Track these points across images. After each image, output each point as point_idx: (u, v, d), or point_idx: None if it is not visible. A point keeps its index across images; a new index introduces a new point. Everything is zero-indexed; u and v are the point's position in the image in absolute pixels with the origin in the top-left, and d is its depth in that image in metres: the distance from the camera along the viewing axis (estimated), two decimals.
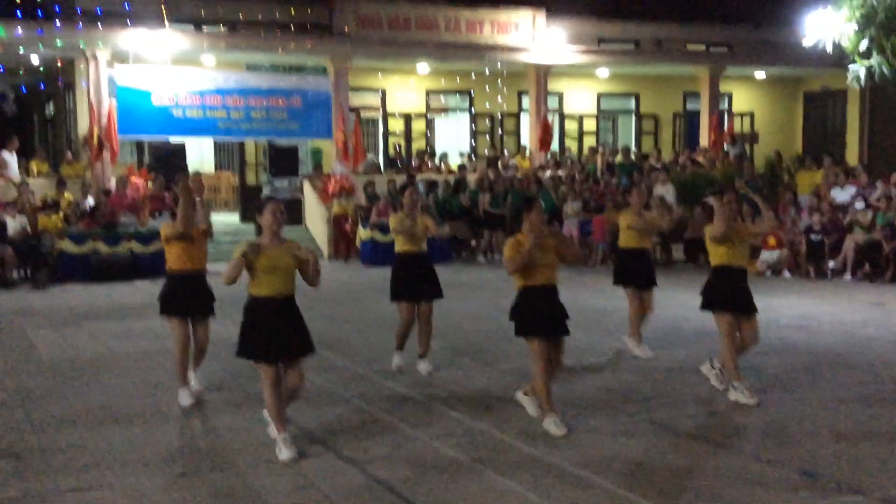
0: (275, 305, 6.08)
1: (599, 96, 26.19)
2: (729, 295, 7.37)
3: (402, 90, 24.18)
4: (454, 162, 23.12)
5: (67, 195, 17.56)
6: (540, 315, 6.58)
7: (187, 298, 7.47)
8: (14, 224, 15.97)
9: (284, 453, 5.98)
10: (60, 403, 7.49)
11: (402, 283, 8.41)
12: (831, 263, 15.37)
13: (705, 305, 7.51)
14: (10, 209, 16.30)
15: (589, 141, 25.79)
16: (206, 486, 5.48)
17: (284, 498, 5.29)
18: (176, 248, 7.45)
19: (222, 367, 8.50)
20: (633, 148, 25.06)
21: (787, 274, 15.64)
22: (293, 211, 20.73)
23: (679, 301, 12.04)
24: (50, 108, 24.74)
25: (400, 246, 8.48)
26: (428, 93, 24.51)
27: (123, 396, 7.71)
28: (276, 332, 6.05)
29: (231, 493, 5.38)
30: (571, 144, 25.80)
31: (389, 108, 24.30)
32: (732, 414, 6.99)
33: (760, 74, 26.54)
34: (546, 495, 5.24)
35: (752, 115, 27.69)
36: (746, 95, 27.48)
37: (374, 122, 24.48)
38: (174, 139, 21.06)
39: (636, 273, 9.25)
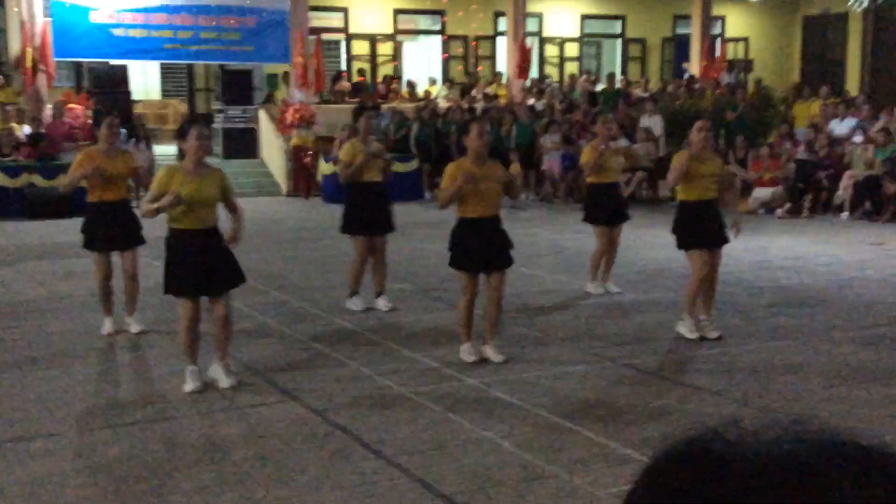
0: (197, 239, 6.15)
1: (583, 18, 26.02)
2: (699, 231, 7.52)
3: (367, 9, 23.87)
4: (425, 89, 22.95)
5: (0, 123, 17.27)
6: (472, 249, 6.72)
7: (109, 231, 7.61)
8: None
9: (189, 384, 6.23)
10: None
11: (356, 215, 8.52)
12: (829, 202, 15.57)
13: (680, 244, 7.67)
14: None
15: (571, 68, 25.69)
16: (158, 435, 5.54)
17: (241, 445, 5.36)
18: (92, 178, 7.57)
19: (169, 310, 8.51)
20: (618, 75, 25.01)
21: (780, 212, 15.83)
22: (247, 142, 20.59)
23: (662, 239, 12.16)
24: None
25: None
26: (396, 13, 24.22)
27: (64, 340, 7.73)
28: (198, 267, 6.13)
29: (184, 441, 5.45)
30: (552, 72, 25.68)
31: (353, 30, 24.00)
32: (720, 357, 7.16)
33: None
34: (520, 443, 5.36)
35: (746, 41, 27.68)
36: (741, 19, 27.44)
37: (336, 44, 24.20)
38: (116, 62, 20.70)
39: (604, 209, 9.36)
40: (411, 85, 22.85)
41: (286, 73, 21.21)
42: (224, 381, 6.33)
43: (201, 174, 6.18)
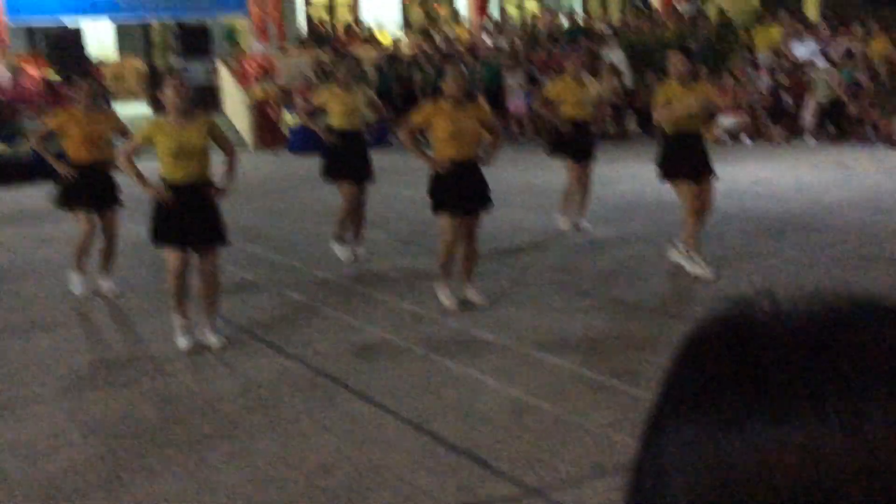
0: (185, 192, 6.13)
1: None
2: (684, 162, 7.56)
3: None
4: (384, 32, 22.75)
5: None
6: (451, 191, 6.77)
7: (88, 191, 7.60)
8: None
9: (181, 341, 6.26)
10: None
11: (337, 162, 8.52)
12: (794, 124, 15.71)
13: (663, 175, 7.69)
14: None
15: (531, 6, 25.52)
16: (149, 395, 5.60)
17: (232, 401, 5.43)
18: (74, 138, 7.55)
19: (148, 271, 8.53)
20: (579, 11, 24.88)
21: (746, 140, 15.96)
22: (209, 97, 20.35)
23: (632, 173, 12.28)
24: None
25: (336, 122, 8.56)
26: None
27: (42, 305, 7.73)
28: (185, 219, 6.13)
29: (176, 399, 5.51)
30: (512, 10, 25.50)
31: None
32: (693, 285, 7.28)
33: None
34: (505, 379, 5.48)
35: None
36: None
37: None
38: (69, 21, 20.32)
39: (572, 144, 9.37)
40: (370, 30, 22.64)
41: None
42: (213, 341, 6.34)
43: (185, 124, 6.13)
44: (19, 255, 9.81)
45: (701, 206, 7.59)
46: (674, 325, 6.36)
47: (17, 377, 5.99)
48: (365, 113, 8.68)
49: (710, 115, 7.99)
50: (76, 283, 7.84)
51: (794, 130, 15.86)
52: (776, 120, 16.01)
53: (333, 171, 8.61)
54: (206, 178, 6.25)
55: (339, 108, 8.48)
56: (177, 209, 6.12)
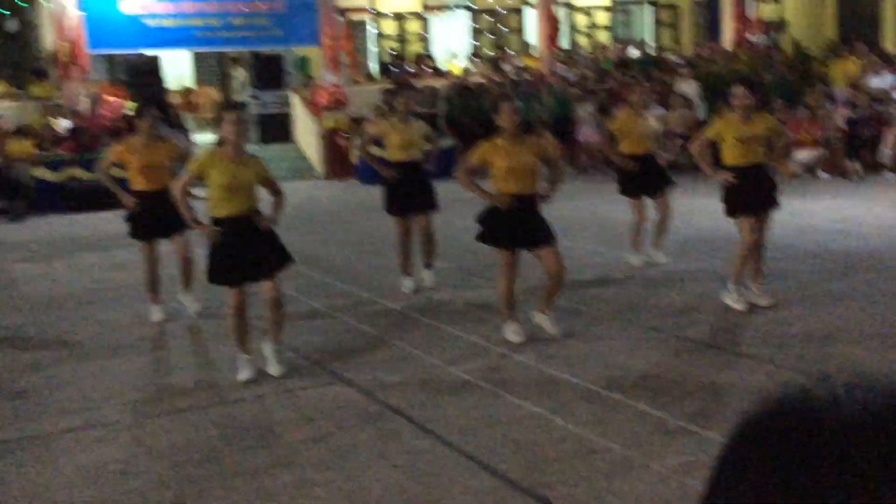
0: (238, 225, 6.18)
1: None
2: (747, 196, 7.41)
3: None
4: (454, 63, 22.86)
5: (39, 118, 17.47)
6: (505, 224, 6.68)
7: (154, 219, 7.76)
8: None
9: (241, 373, 6.25)
10: (50, 340, 7.63)
11: (395, 194, 8.55)
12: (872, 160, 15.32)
13: (728, 212, 7.58)
14: None
15: (601, 36, 25.44)
16: (212, 421, 5.62)
17: (294, 430, 5.42)
18: (135, 167, 7.74)
19: (216, 293, 8.61)
20: (651, 42, 24.74)
21: (822, 174, 15.61)
22: (281, 127, 20.66)
23: (705, 206, 12.05)
24: (12, 24, 24.39)
25: (393, 155, 8.62)
26: None
27: (116, 330, 7.84)
28: (242, 254, 6.16)
29: (239, 426, 5.52)
30: (582, 40, 25.45)
31: (381, 8, 23.93)
32: (771, 325, 7.08)
33: None
34: (572, 417, 5.37)
35: (779, 1, 27.20)
36: None
37: (364, 24, 24.13)
38: (148, 52, 20.81)
39: (641, 179, 9.22)
40: (436, 61, 22.78)
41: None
42: (274, 368, 6.37)
43: (239, 161, 6.21)
44: (95, 281, 10.00)
45: (759, 241, 7.50)
46: (747, 365, 6.18)
47: (89, 401, 6.06)
48: (422, 145, 8.69)
49: (784, 148, 7.90)
50: (152, 312, 8.00)
51: (872, 165, 15.46)
52: (853, 154, 15.64)
53: (393, 204, 8.62)
54: (255, 208, 6.29)
55: (397, 140, 8.52)
56: (231, 244, 6.16)
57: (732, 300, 7.52)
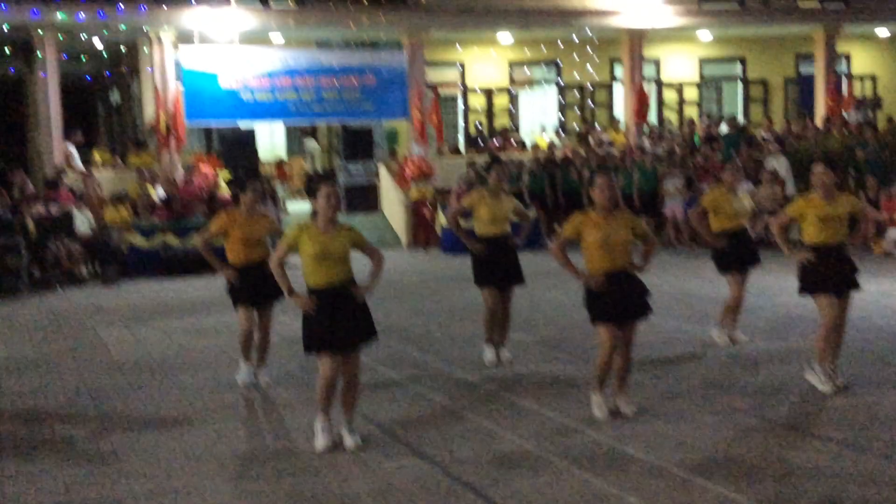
0: (331, 295, 6.22)
1: (701, 62, 25.68)
2: (824, 275, 7.23)
3: (483, 63, 24.15)
4: (541, 137, 22.99)
5: (135, 186, 18.09)
6: (609, 301, 6.64)
7: (251, 288, 7.98)
8: (81, 218, 16.55)
9: (320, 441, 6.28)
10: (133, 404, 7.76)
11: (485, 267, 8.52)
12: None
13: (802, 289, 7.43)
14: (77, 202, 16.89)
15: (690, 111, 25.35)
16: (284, 490, 5.61)
17: (367, 499, 5.38)
18: (234, 241, 7.99)
19: (298, 364, 8.68)
20: (740, 118, 24.52)
21: None
22: (369, 197, 21.00)
23: (792, 284, 11.76)
24: (115, 95, 25.50)
25: (481, 228, 8.58)
26: (511, 64, 24.42)
27: (196, 396, 7.95)
28: (335, 322, 6.19)
29: (310, 497, 5.50)
30: (671, 115, 25.38)
31: (469, 83, 24.31)
32: (856, 407, 6.82)
33: (883, 32, 25.63)
34: (649, 499, 5.21)
35: (874, 78, 26.79)
36: (867, 56, 26.59)
37: (454, 98, 24.52)
38: (243, 124, 21.48)
39: (735, 255, 9.06)
40: (521, 135, 22.99)
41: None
42: (349, 441, 6.35)
43: (331, 231, 6.30)
44: (179, 346, 10.19)
45: (840, 321, 7.31)
46: (831, 449, 5.93)
47: (167, 468, 6.12)
48: (512, 219, 8.69)
49: (866, 228, 7.77)
50: (243, 373, 8.16)
51: None
52: None
53: (482, 277, 8.60)
54: (350, 279, 6.33)
55: (487, 213, 8.50)
56: (326, 314, 6.20)
57: (818, 381, 7.29)
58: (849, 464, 5.66)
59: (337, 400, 6.47)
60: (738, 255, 9.05)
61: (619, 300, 6.68)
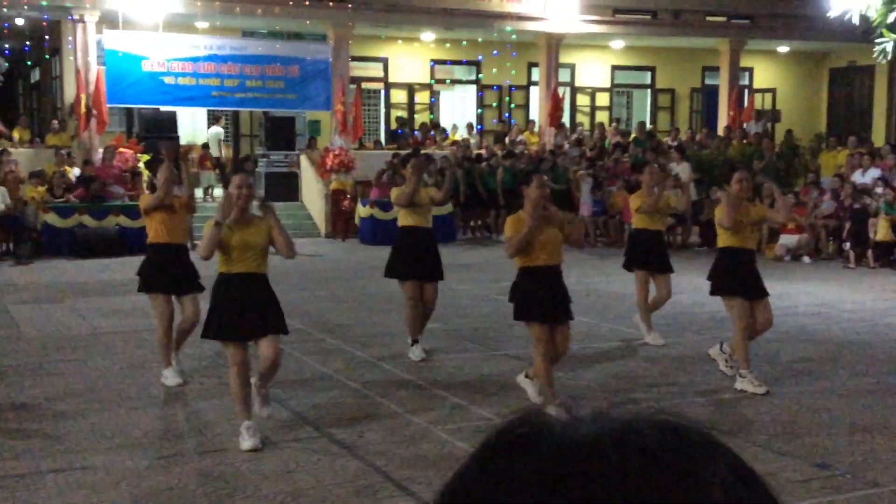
0: (245, 282, 6.00)
1: (613, 69, 26.10)
2: (738, 278, 7.38)
3: (406, 59, 24.11)
4: (461, 135, 23.07)
5: (52, 166, 17.57)
6: (539, 298, 6.59)
7: (168, 274, 7.44)
8: None
9: (246, 442, 5.86)
10: (43, 383, 7.55)
11: (404, 259, 8.32)
12: (848, 246, 15.37)
13: (715, 290, 7.55)
14: None
15: (601, 116, 25.72)
16: (193, 470, 5.53)
17: (273, 482, 5.34)
18: (156, 220, 7.46)
19: (210, 347, 8.54)
20: (648, 124, 24.99)
21: (806, 259, 15.64)
22: (289, 186, 20.77)
23: (693, 285, 12.05)
24: (35, 74, 24.71)
25: (403, 220, 8.44)
26: (433, 62, 24.43)
27: (108, 376, 7.77)
28: (244, 310, 5.94)
29: (218, 476, 5.43)
30: (583, 120, 25.73)
31: (392, 79, 24.24)
32: (743, 404, 7.03)
33: (784, 49, 26.42)
34: None
35: (774, 92, 27.59)
36: (768, 71, 27.38)
37: (376, 93, 24.43)
38: (165, 108, 21.02)
39: (647, 256, 9.17)
40: (443, 130, 23.03)
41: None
42: (264, 412, 6.16)
43: (247, 222, 6.09)
44: (93, 327, 9.94)
45: (754, 325, 7.43)
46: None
47: (75, 445, 5.97)
48: (431, 209, 8.52)
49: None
50: (168, 376, 7.46)
51: (857, 253, 15.48)
52: (839, 241, 15.67)
53: (390, 269, 8.43)
54: (264, 272, 6.13)
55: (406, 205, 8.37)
56: (236, 301, 5.98)
57: (752, 386, 7.25)
58: (749, 459, 5.81)
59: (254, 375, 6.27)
60: (648, 255, 9.07)
61: (547, 299, 6.58)
